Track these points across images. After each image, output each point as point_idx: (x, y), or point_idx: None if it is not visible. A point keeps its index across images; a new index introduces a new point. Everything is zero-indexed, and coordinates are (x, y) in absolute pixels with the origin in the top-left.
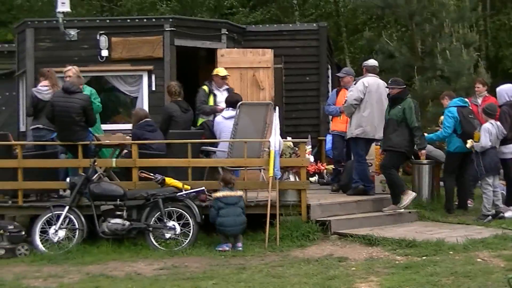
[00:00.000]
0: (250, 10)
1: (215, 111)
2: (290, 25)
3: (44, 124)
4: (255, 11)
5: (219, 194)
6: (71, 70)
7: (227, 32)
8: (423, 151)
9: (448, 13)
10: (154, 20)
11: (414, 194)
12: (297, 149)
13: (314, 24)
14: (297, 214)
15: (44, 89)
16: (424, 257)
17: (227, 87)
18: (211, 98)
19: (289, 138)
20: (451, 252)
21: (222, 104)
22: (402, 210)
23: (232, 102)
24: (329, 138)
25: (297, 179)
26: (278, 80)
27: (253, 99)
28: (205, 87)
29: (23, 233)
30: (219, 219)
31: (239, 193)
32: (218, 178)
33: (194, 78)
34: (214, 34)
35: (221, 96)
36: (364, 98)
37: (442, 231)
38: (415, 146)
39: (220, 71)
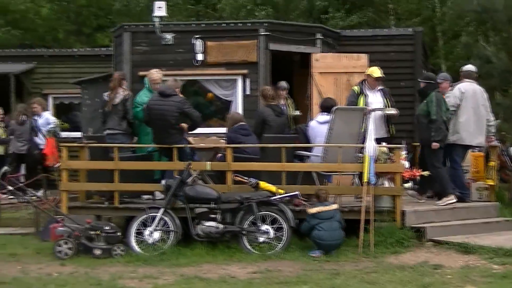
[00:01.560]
0: (346, 14)
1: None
2: (385, 30)
3: (114, 127)
4: (351, 15)
5: (313, 210)
6: (156, 75)
7: (321, 37)
8: (434, 144)
9: None
10: (249, 24)
11: (454, 200)
12: (392, 154)
13: (410, 29)
14: (391, 220)
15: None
16: None
17: (381, 87)
18: (362, 99)
19: (383, 144)
20: None
21: (373, 105)
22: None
23: (326, 106)
24: None
25: (392, 185)
26: None
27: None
28: (356, 88)
29: (119, 234)
30: (316, 232)
31: (334, 206)
32: (315, 191)
33: (288, 83)
34: (308, 38)
35: (373, 97)
36: (461, 104)
37: None
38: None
39: (374, 71)
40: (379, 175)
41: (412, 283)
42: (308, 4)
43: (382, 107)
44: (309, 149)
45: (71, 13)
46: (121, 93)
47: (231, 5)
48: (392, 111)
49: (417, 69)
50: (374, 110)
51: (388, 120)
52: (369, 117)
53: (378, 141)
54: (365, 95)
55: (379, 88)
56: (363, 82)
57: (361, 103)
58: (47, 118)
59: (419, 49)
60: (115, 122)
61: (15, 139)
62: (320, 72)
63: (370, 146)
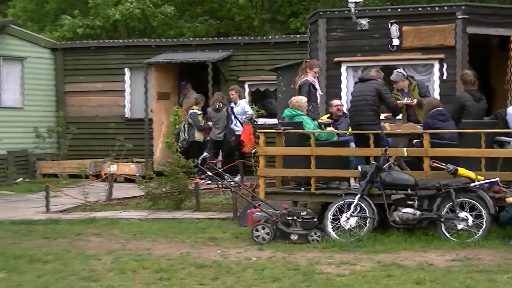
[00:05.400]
0: None
1: None
2: None
3: None
4: None
5: None
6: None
7: None
8: None
9: None
10: (446, 8)
11: None
12: None
13: None
14: None
15: None
16: None
17: None
18: None
19: None
20: None
21: None
22: None
23: None
24: None
25: None
26: None
27: None
28: None
29: (315, 219)
30: None
31: None
32: None
33: (485, 67)
34: (508, 21)
35: None
36: None
37: None
38: None
39: None
40: None
41: None
42: None
43: None
44: (509, 135)
45: (265, 1)
46: (298, 80)
47: None
48: None
49: None
50: None
51: None
52: None
53: None
54: None
55: None
56: None
57: None
58: (242, 107)
59: None
60: None
61: (212, 126)
62: None
63: None
